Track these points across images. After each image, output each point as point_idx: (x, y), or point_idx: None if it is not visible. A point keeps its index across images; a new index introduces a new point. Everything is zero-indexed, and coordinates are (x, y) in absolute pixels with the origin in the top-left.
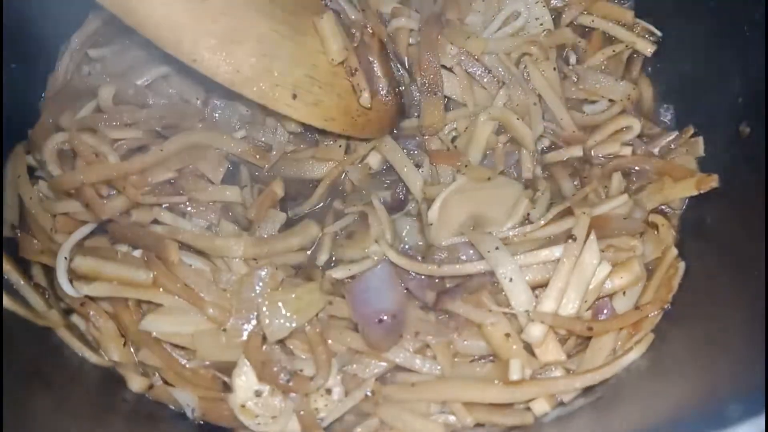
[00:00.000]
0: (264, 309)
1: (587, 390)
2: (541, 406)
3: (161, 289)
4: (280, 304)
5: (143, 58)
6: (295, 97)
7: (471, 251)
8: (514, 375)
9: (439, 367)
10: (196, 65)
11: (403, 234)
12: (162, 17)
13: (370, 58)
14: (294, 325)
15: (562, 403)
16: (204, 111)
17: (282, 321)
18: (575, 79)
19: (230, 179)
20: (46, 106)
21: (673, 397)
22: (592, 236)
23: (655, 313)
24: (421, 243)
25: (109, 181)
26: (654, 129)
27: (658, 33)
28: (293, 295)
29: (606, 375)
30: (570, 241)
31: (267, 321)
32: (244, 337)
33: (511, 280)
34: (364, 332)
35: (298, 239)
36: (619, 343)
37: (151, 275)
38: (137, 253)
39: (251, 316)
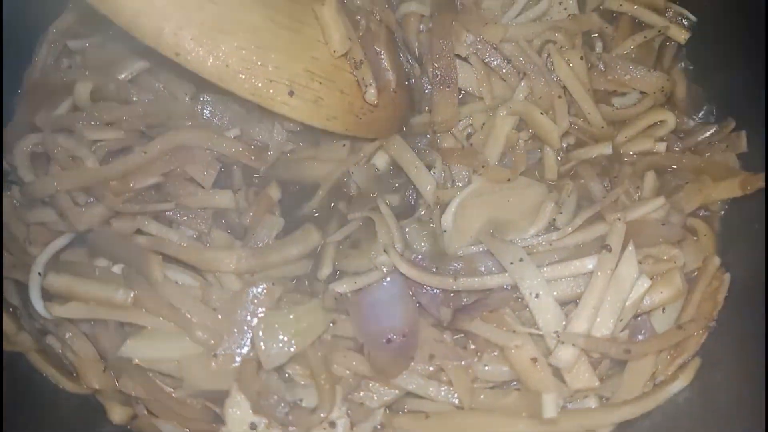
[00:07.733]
0: (259, 332)
1: (625, 424)
2: None
3: (143, 310)
4: (277, 326)
5: (127, 50)
6: (292, 94)
7: (490, 262)
8: (549, 413)
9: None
10: (180, 59)
11: (414, 243)
12: (141, 4)
13: (377, 49)
14: (293, 350)
15: None
16: (193, 108)
17: (280, 345)
18: (603, 69)
19: (223, 183)
20: (21, 104)
21: None
22: (630, 246)
23: (700, 332)
24: (434, 252)
25: (87, 188)
26: (690, 123)
27: (693, 18)
28: (292, 316)
29: (648, 407)
30: (604, 251)
31: (263, 346)
32: (237, 364)
33: (537, 296)
34: (370, 355)
35: (298, 248)
36: (659, 366)
37: (131, 295)
38: (117, 268)
39: (245, 340)
